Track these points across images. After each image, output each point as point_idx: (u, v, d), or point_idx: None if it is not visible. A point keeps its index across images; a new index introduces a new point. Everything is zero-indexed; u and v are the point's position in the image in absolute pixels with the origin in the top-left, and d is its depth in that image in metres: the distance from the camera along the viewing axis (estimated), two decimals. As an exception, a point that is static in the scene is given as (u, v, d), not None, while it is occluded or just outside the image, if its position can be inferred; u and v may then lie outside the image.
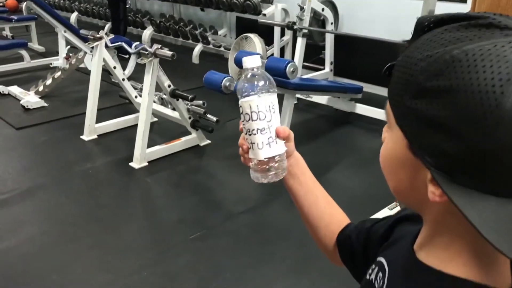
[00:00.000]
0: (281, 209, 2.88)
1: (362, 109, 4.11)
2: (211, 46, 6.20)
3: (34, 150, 3.72)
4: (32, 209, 2.88)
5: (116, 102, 4.44)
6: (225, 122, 4.06)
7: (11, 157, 3.55)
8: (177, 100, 3.43)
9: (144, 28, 6.97)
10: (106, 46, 3.91)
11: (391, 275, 0.63)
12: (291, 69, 3.22)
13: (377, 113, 4.03)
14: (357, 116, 4.16)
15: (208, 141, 3.74)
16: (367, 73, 4.90)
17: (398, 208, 2.70)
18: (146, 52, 3.24)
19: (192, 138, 3.66)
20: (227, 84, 3.29)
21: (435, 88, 0.47)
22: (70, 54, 4.83)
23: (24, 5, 10.33)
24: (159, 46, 3.24)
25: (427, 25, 0.52)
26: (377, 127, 4.00)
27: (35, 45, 6.87)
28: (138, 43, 4.93)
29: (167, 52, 3.16)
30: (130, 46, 5.10)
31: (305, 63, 4.85)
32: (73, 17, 8.64)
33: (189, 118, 3.56)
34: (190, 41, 6.48)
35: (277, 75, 3.28)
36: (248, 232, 2.65)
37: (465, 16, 0.49)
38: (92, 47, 3.80)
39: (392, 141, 0.56)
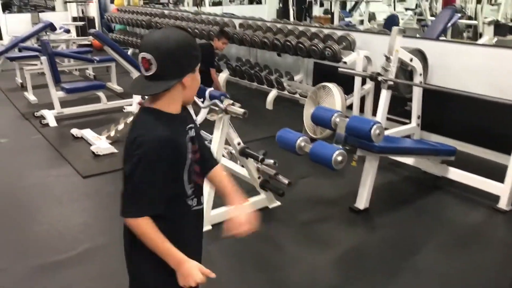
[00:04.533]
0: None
1: (456, 174, 3.59)
2: (286, 92, 5.94)
3: (98, 202, 3.57)
4: (85, 276, 2.66)
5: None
6: (297, 180, 3.72)
7: (74, 210, 3.42)
8: (247, 158, 3.15)
9: (220, 71, 6.88)
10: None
11: None
12: (377, 131, 2.84)
13: (474, 180, 3.50)
14: (449, 181, 3.65)
15: (278, 203, 3.40)
16: (460, 130, 4.37)
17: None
18: (217, 108, 3.00)
19: (261, 199, 3.34)
20: (302, 144, 2.96)
21: None
22: (143, 100, 4.75)
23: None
24: (231, 102, 3.00)
25: None
26: (474, 197, 3.47)
27: (114, 85, 7.00)
28: (211, 89, 4.77)
29: (238, 109, 2.90)
30: (203, 93, 4.95)
31: (388, 115, 4.42)
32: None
33: (259, 178, 3.25)
34: (265, 86, 6.28)
35: (361, 136, 2.91)
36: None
37: None
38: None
39: None
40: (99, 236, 3.05)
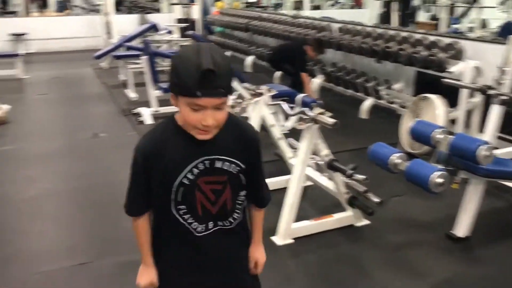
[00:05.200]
0: None
1: None
2: (383, 101, 5.62)
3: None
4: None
5: (271, 157, 4.12)
6: (389, 198, 3.44)
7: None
8: (334, 172, 2.95)
9: (314, 76, 6.70)
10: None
11: None
12: (485, 153, 2.51)
13: None
14: None
15: (366, 222, 3.16)
16: None
17: None
18: (306, 117, 2.83)
19: (347, 216, 3.13)
20: (397, 162, 2.70)
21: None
22: (235, 103, 4.72)
23: (208, 46, 11.05)
24: (322, 110, 2.82)
25: None
26: None
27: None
28: (303, 95, 4.63)
29: (328, 119, 2.72)
30: (293, 99, 4.83)
31: (499, 134, 3.96)
32: (249, 60, 8.85)
33: (346, 193, 3.04)
34: (361, 94, 6.00)
35: (466, 157, 2.59)
36: None
37: None
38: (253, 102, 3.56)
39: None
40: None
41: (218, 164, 1.33)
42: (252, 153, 1.39)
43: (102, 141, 5.03)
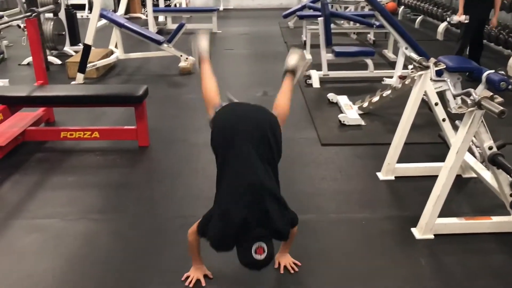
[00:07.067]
0: None
1: None
2: None
3: (324, 173, 3.45)
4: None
5: (434, 139, 3.69)
6: None
7: (295, 175, 3.40)
8: (498, 168, 2.49)
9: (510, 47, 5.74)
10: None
11: None
12: None
13: None
14: None
15: (534, 233, 2.63)
16: None
17: None
18: (469, 100, 2.41)
19: (508, 222, 2.64)
20: None
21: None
22: (406, 74, 4.34)
23: (401, 9, 10.38)
24: (489, 95, 2.36)
25: None
26: None
27: (389, 53, 6.70)
28: (491, 72, 4.05)
29: (495, 106, 2.26)
30: (479, 74, 4.25)
31: None
32: (442, 27, 8.03)
33: (511, 195, 2.55)
34: None
35: None
36: None
37: None
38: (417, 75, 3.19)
39: None
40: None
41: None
42: None
43: (269, 99, 5.10)
